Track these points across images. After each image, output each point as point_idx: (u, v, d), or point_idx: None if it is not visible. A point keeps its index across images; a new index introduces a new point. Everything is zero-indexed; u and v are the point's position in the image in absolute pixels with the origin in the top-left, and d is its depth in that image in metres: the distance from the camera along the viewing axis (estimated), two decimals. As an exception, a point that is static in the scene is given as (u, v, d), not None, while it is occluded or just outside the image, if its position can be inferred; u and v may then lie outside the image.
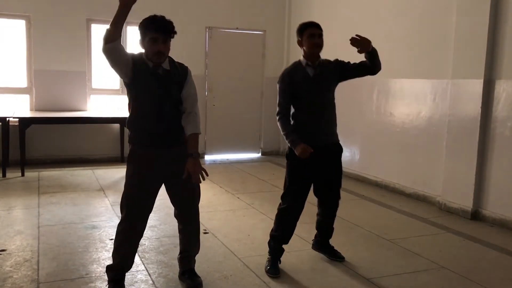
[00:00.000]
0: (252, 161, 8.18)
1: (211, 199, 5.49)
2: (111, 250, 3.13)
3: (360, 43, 3.39)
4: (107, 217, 4.66)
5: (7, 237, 4.03)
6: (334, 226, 3.78)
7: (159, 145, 2.95)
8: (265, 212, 4.91)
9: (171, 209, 4.98)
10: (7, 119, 6.36)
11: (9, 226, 4.34)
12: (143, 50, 2.93)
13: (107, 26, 2.70)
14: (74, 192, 5.63)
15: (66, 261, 3.56)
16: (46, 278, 3.25)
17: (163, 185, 3.11)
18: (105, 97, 7.74)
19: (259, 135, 8.65)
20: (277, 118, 3.46)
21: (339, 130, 3.66)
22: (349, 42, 3.38)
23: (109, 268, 3.08)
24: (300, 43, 3.47)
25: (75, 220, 4.55)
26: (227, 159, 8.20)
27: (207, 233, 4.29)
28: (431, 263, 3.73)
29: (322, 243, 3.79)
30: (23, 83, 7.26)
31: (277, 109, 3.47)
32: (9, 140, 6.52)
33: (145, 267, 3.49)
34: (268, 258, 3.54)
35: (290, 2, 8.41)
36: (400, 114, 5.99)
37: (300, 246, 3.98)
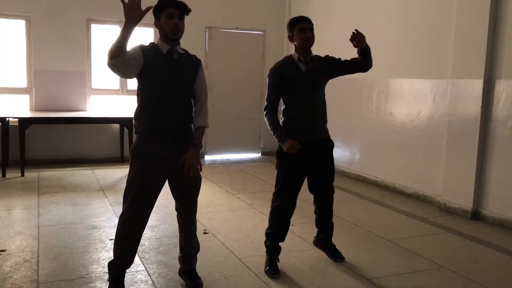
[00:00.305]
0: (252, 161, 8.18)
1: (211, 199, 5.49)
2: (111, 250, 3.13)
3: (357, 37, 3.41)
4: (107, 217, 4.66)
5: (7, 237, 4.03)
6: (334, 223, 3.77)
7: (166, 134, 2.91)
8: (265, 212, 4.90)
9: (170, 209, 4.97)
10: (7, 119, 6.36)
11: (9, 226, 4.33)
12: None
13: (112, 41, 2.69)
14: (74, 192, 5.63)
15: (66, 261, 3.55)
16: (46, 278, 3.25)
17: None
18: (105, 97, 7.73)
19: (259, 135, 8.65)
20: (265, 113, 3.46)
21: (339, 130, 3.66)
22: (350, 37, 3.40)
23: (110, 265, 3.07)
24: (291, 38, 3.47)
25: (75, 220, 4.54)
26: (227, 159, 8.20)
27: (207, 233, 4.29)
28: (431, 263, 3.72)
29: (324, 240, 3.78)
30: (23, 83, 7.26)
31: (265, 103, 3.46)
32: (9, 140, 6.52)
33: (145, 267, 3.49)
34: (266, 258, 3.54)
35: (290, 2, 8.42)
36: (400, 114, 5.99)
37: (300, 246, 3.97)
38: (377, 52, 6.30)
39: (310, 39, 3.41)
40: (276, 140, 3.41)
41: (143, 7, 2.67)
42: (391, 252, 3.98)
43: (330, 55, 3.62)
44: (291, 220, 3.61)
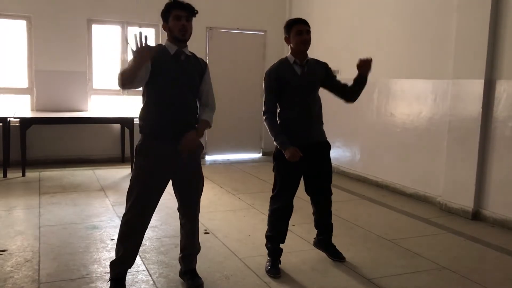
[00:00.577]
0: (253, 161, 8.18)
1: (212, 199, 5.49)
2: (112, 250, 3.14)
3: (365, 64, 3.44)
4: (107, 217, 4.66)
5: (8, 237, 4.04)
6: (333, 224, 3.78)
7: (171, 135, 2.93)
8: (266, 213, 4.84)
9: (171, 209, 4.98)
10: (8, 119, 6.37)
11: (10, 226, 4.34)
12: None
13: (123, 69, 2.75)
14: (75, 192, 5.64)
15: (67, 261, 3.56)
16: (47, 278, 3.26)
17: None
18: (106, 97, 7.74)
19: (260, 136, 8.65)
20: (264, 117, 3.44)
21: (340, 130, 3.67)
22: (358, 63, 3.43)
23: (112, 264, 3.07)
24: (287, 40, 3.45)
25: (76, 221, 4.55)
26: (228, 160, 8.20)
27: (208, 233, 4.29)
28: (431, 264, 3.72)
29: (324, 241, 3.78)
30: (24, 83, 7.27)
31: (264, 107, 3.44)
32: (10, 140, 6.53)
33: (146, 268, 3.49)
34: (268, 259, 3.54)
35: (291, 2, 8.42)
36: (401, 115, 5.99)
37: (300, 247, 3.98)
38: (378, 53, 6.33)
39: (307, 42, 3.38)
40: (277, 146, 3.39)
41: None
42: (392, 252, 3.98)
43: (329, 66, 3.61)
44: (291, 220, 3.61)
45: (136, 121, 4.19)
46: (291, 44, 3.43)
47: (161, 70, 2.89)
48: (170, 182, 3.11)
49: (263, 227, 3.73)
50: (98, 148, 7.47)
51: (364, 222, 4.76)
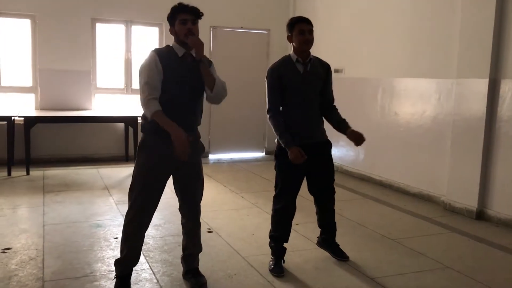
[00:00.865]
0: (256, 160, 8.19)
1: (215, 198, 5.50)
2: (116, 249, 3.16)
3: (359, 141, 3.46)
4: (111, 216, 4.68)
5: (13, 236, 4.05)
6: (336, 222, 3.77)
7: (168, 138, 2.92)
8: (269, 211, 4.86)
9: (175, 208, 4.99)
10: (12, 118, 6.39)
11: (14, 224, 4.36)
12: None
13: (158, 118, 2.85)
14: (79, 191, 5.65)
15: (71, 260, 3.57)
16: (51, 277, 3.27)
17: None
18: (110, 96, 7.76)
19: (263, 135, 8.65)
20: (268, 116, 3.42)
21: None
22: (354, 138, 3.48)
23: (117, 262, 3.09)
24: (290, 39, 3.43)
25: (80, 219, 4.56)
26: (231, 159, 8.21)
27: (211, 232, 4.30)
28: (435, 263, 3.72)
29: (327, 240, 3.78)
30: (28, 82, 7.30)
31: (267, 106, 3.42)
32: (14, 139, 6.54)
33: (150, 266, 3.50)
34: (271, 258, 3.55)
35: (295, 1, 8.40)
36: (405, 114, 5.97)
37: (304, 246, 3.98)
38: (382, 52, 6.33)
39: (309, 42, 3.37)
40: (282, 145, 3.37)
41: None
42: (395, 251, 3.97)
43: (331, 71, 3.60)
44: (295, 219, 3.62)
45: (140, 120, 4.20)
46: (293, 43, 3.41)
47: (169, 71, 2.91)
48: (172, 181, 3.13)
49: (267, 226, 3.73)
50: (102, 147, 7.49)
51: (368, 221, 4.75)
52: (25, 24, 7.17)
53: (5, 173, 6.31)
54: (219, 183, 6.24)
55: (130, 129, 7.23)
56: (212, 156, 8.21)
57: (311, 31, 3.37)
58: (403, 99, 6.03)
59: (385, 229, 4.50)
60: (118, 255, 3.11)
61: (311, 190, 3.64)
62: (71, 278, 3.26)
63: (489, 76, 4.74)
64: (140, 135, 3.12)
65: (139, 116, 3.53)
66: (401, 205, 5.41)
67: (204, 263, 3.53)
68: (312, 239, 3.99)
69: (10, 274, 3.28)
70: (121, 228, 3.18)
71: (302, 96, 3.41)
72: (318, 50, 3.54)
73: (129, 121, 6.98)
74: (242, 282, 3.29)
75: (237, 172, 7.13)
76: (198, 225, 3.25)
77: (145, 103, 2.85)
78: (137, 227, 3.03)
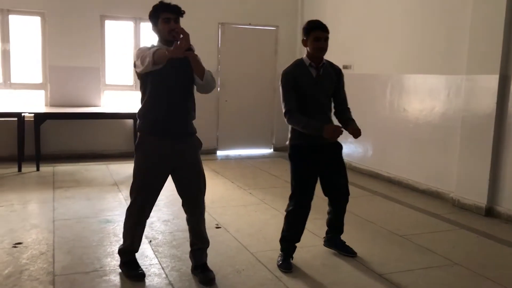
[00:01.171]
0: (264, 157, 8.19)
1: (223, 194, 5.51)
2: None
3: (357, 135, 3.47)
4: (120, 212, 4.71)
5: (23, 231, 4.10)
6: (346, 222, 3.78)
7: (169, 132, 3.05)
8: (277, 208, 4.92)
9: (184, 204, 4.99)
10: (23, 114, 6.45)
11: (25, 220, 4.40)
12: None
13: (158, 50, 2.81)
14: (89, 186, 5.70)
15: (80, 255, 3.61)
16: (61, 271, 3.31)
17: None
18: (119, 92, 7.80)
19: (271, 131, 8.65)
20: (287, 117, 3.40)
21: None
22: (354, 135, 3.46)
23: (121, 251, 3.29)
24: (304, 43, 3.42)
25: (90, 215, 4.60)
26: (239, 155, 8.22)
27: (220, 227, 4.32)
28: (444, 260, 3.71)
29: (334, 239, 3.80)
30: (38, 79, 7.35)
31: (284, 108, 3.40)
32: (25, 135, 6.60)
33: (159, 261, 3.53)
34: (280, 254, 3.56)
35: (303, -3, 8.39)
36: (414, 110, 5.95)
37: (312, 242, 3.98)
38: (391, 47, 6.30)
39: (324, 50, 3.38)
40: (314, 132, 3.31)
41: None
42: (404, 248, 3.97)
43: (343, 75, 3.61)
44: None
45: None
46: (308, 48, 3.42)
47: (157, 72, 2.91)
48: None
49: (274, 222, 3.75)
50: (111, 143, 7.53)
51: (376, 217, 4.75)
52: (35, 22, 7.22)
53: (16, 169, 6.37)
54: (227, 179, 6.26)
55: (139, 126, 7.24)
56: (220, 153, 8.23)
57: (326, 39, 3.37)
58: (412, 95, 6.00)
59: (394, 226, 4.50)
60: (122, 245, 3.30)
61: (326, 191, 3.64)
62: (81, 273, 3.29)
63: (499, 72, 4.70)
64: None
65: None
66: (409, 202, 5.39)
67: (213, 259, 3.55)
68: (320, 235, 4.00)
69: (21, 268, 3.32)
70: (130, 223, 3.26)
71: (314, 99, 3.43)
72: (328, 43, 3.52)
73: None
74: (251, 277, 3.30)
75: (245, 168, 7.14)
76: (202, 221, 3.29)
77: (145, 57, 2.80)
78: (138, 221, 3.22)
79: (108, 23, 7.52)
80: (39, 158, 6.52)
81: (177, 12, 3.01)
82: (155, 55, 2.77)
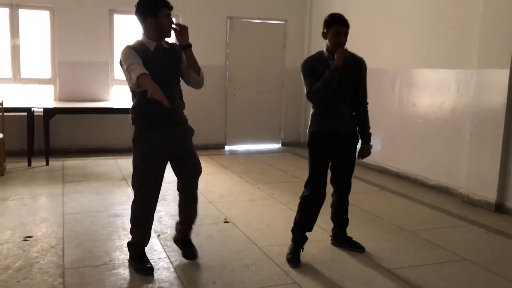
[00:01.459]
0: (272, 152, 8.19)
1: (231, 189, 5.52)
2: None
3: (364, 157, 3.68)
4: (129, 206, 4.66)
5: (34, 224, 4.14)
6: (354, 214, 3.79)
7: (163, 126, 3.15)
8: (285, 203, 4.92)
9: (192, 198, 5.00)
10: (32, 109, 6.49)
11: (35, 213, 4.44)
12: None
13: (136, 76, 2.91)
14: (98, 181, 5.73)
15: (90, 248, 3.63)
16: (71, 264, 3.33)
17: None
18: (127, 87, 7.80)
19: (280, 126, 8.64)
20: (307, 95, 3.44)
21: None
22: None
23: (130, 245, 3.34)
24: (324, 35, 3.44)
25: (99, 209, 4.63)
26: (247, 150, 8.22)
27: (228, 222, 4.33)
28: (453, 255, 3.69)
29: (339, 235, 3.80)
30: (47, 74, 7.40)
31: (306, 90, 3.45)
32: (34, 130, 6.65)
33: (167, 255, 3.55)
34: (290, 245, 3.55)
35: (312, -9, 8.34)
36: (423, 105, 5.91)
37: (320, 237, 3.98)
38: (400, 42, 6.25)
39: (342, 44, 3.39)
40: (333, 77, 3.31)
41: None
42: (412, 243, 3.95)
43: (365, 70, 3.61)
44: None
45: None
46: (327, 41, 3.43)
47: (147, 65, 2.98)
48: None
49: (282, 217, 3.76)
50: (120, 137, 7.55)
51: (385, 213, 4.73)
52: (44, 16, 7.26)
53: (26, 164, 6.42)
54: (235, 174, 6.26)
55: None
56: (228, 148, 8.24)
57: (346, 34, 3.39)
58: (421, 90, 5.96)
59: (402, 221, 4.48)
60: (131, 239, 3.35)
61: (332, 180, 3.69)
62: (90, 266, 3.32)
63: (510, 66, 4.65)
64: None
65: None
66: (418, 197, 5.37)
67: (221, 253, 3.57)
68: (328, 230, 3.99)
69: (32, 262, 3.35)
70: (139, 218, 3.28)
71: (335, 90, 3.42)
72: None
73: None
74: (258, 271, 3.31)
75: (253, 163, 7.14)
76: (197, 199, 3.46)
77: (134, 72, 2.90)
78: (147, 213, 3.28)
79: (117, 18, 7.54)
80: (49, 152, 6.57)
81: (172, 9, 3.14)
82: (140, 80, 2.86)
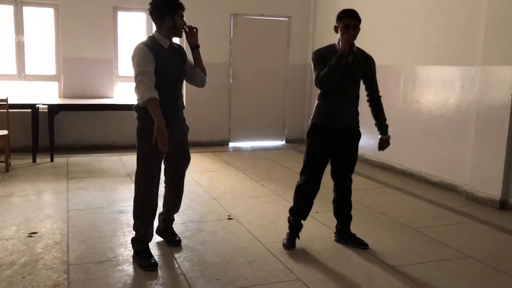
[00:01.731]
0: (276, 148, 8.19)
1: (235, 185, 5.53)
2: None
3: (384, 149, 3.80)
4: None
5: (38, 221, 4.16)
6: (358, 211, 3.81)
7: (170, 123, 3.20)
8: (289, 199, 4.88)
9: (196, 195, 5.05)
10: (37, 106, 6.51)
11: (40, 210, 4.46)
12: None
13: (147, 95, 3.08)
14: (102, 177, 5.75)
15: (94, 244, 3.65)
16: (75, 260, 3.35)
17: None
18: (132, 84, 7.79)
19: (283, 123, 8.64)
20: (317, 80, 3.45)
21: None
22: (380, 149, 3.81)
23: (134, 240, 3.37)
24: (336, 29, 3.51)
25: (103, 205, 4.65)
26: (251, 147, 8.23)
27: (231, 218, 4.34)
28: (456, 252, 3.69)
29: (343, 231, 3.80)
30: (52, 70, 7.42)
31: (315, 78, 3.46)
32: (39, 126, 6.68)
33: (171, 251, 3.56)
34: (287, 232, 3.69)
35: (316, -12, 8.31)
36: (427, 102, 5.89)
37: (324, 234, 3.98)
38: (404, 38, 6.23)
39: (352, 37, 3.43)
40: (339, 62, 3.34)
41: None
42: (416, 240, 3.95)
43: (374, 65, 3.70)
44: (315, 207, 3.68)
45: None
46: (339, 34, 3.49)
47: (160, 62, 3.13)
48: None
49: (286, 213, 3.75)
50: (124, 134, 7.57)
51: (389, 210, 4.73)
52: (48, 13, 7.27)
53: (30, 160, 6.45)
54: (239, 171, 6.27)
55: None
56: (232, 144, 8.25)
57: (356, 26, 3.44)
58: (425, 87, 5.94)
59: (406, 218, 4.48)
60: (135, 235, 3.38)
61: (332, 174, 3.74)
62: (94, 262, 3.33)
63: (515, 63, 4.64)
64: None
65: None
66: (422, 194, 5.36)
67: (224, 249, 3.58)
68: (331, 227, 4.00)
69: (37, 258, 3.37)
70: (143, 214, 3.32)
71: (341, 85, 3.48)
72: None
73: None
74: (262, 268, 3.32)
75: (257, 160, 7.15)
76: (181, 190, 3.59)
77: (145, 89, 3.05)
78: (152, 206, 3.33)
79: (121, 14, 7.54)
80: (53, 149, 6.60)
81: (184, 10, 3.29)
82: (150, 105, 3.05)
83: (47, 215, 4.31)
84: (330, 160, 3.66)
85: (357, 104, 3.65)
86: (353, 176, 3.79)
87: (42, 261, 3.32)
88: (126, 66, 7.71)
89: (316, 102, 3.63)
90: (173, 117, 3.28)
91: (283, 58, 8.44)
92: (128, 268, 3.27)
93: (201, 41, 3.49)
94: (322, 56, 3.48)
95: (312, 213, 3.79)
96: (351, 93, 3.57)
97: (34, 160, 6.45)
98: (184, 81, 3.49)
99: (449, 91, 5.55)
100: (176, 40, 3.38)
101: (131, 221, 4.15)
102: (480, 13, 5.03)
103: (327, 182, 3.73)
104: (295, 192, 3.70)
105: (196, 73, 3.44)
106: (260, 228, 4.12)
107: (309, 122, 3.66)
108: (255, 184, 5.65)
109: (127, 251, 3.52)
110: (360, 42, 3.67)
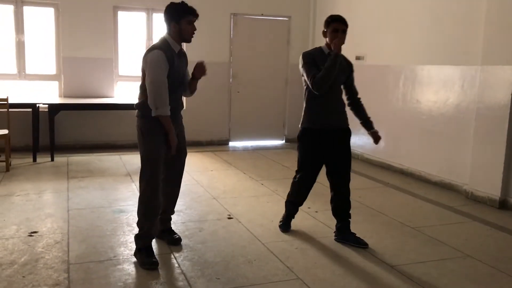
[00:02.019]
0: (276, 148, 8.20)
1: (235, 185, 5.54)
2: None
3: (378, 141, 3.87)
4: (134, 202, 4.75)
5: (39, 220, 4.16)
6: (357, 211, 3.83)
7: (176, 122, 3.39)
8: (289, 199, 4.93)
9: (196, 194, 5.06)
10: (37, 105, 6.52)
11: (40, 209, 4.47)
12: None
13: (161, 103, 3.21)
14: (102, 177, 5.76)
15: (95, 244, 3.66)
16: (76, 260, 3.36)
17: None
18: (132, 83, 7.83)
19: (283, 122, 8.65)
20: (313, 84, 3.52)
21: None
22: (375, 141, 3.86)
23: (138, 237, 3.39)
24: (324, 34, 3.66)
25: (103, 204, 4.66)
26: (251, 146, 8.23)
27: (231, 218, 4.34)
28: (456, 252, 3.70)
29: (343, 230, 3.82)
30: (52, 70, 7.42)
31: (310, 80, 3.55)
32: (39, 126, 6.68)
33: (171, 250, 3.57)
34: (283, 214, 4.03)
35: (316, -13, 8.32)
36: (427, 101, 5.89)
37: (324, 233, 3.99)
38: (404, 38, 6.23)
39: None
40: (334, 64, 3.47)
41: None
42: (416, 240, 3.96)
43: (353, 68, 3.85)
44: (314, 206, 3.82)
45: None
46: (327, 39, 3.63)
47: (172, 65, 3.23)
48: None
49: (287, 213, 3.78)
50: (125, 133, 7.58)
51: (388, 209, 4.74)
52: (49, 13, 7.27)
53: (31, 159, 6.46)
54: (239, 170, 6.28)
55: (152, 117, 7.29)
56: (232, 144, 8.26)
57: (344, 31, 3.58)
58: (425, 86, 5.94)
59: (406, 217, 4.48)
60: (138, 232, 3.40)
61: (328, 174, 3.82)
62: (95, 262, 3.34)
63: (515, 62, 4.64)
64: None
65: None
66: (422, 194, 5.37)
67: (224, 249, 3.58)
68: (331, 226, 4.00)
69: (37, 257, 3.38)
70: (143, 213, 3.32)
71: (331, 86, 3.61)
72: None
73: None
74: (262, 267, 3.33)
75: (257, 159, 7.15)
76: (179, 189, 3.69)
77: (162, 103, 3.18)
78: (157, 202, 3.35)
79: (121, 14, 7.55)
80: (54, 148, 6.60)
81: (197, 16, 3.29)
82: (163, 120, 3.21)
83: (47, 215, 4.32)
84: (324, 160, 3.76)
85: (344, 104, 3.80)
86: (353, 176, 3.82)
87: (42, 261, 3.33)
88: (126, 66, 7.71)
89: (304, 105, 3.75)
90: (175, 116, 3.37)
91: (283, 57, 8.45)
92: (129, 267, 3.27)
93: (201, 40, 3.54)
94: (313, 58, 3.61)
95: (312, 212, 3.82)
96: (338, 93, 3.75)
97: (34, 160, 6.46)
98: None
99: (449, 90, 5.56)
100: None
101: (131, 220, 4.19)
102: (479, 13, 5.03)
103: (325, 181, 3.73)
104: (292, 185, 3.95)
105: (186, 87, 3.58)
106: (260, 227, 4.12)
107: (299, 126, 3.78)
108: (255, 183, 5.66)
109: (128, 250, 3.53)
110: (360, 41, 3.70)
